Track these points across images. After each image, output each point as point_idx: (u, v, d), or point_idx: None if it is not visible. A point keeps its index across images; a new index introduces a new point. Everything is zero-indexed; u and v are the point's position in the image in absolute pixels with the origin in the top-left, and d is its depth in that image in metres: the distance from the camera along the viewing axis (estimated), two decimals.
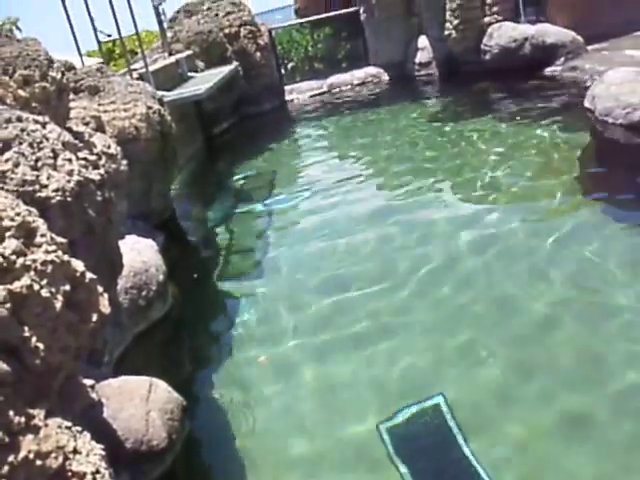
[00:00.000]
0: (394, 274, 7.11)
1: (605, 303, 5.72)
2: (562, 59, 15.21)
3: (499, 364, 5.20)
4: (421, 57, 17.85)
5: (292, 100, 18.58)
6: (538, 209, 8.15)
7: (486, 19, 16.57)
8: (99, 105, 7.95)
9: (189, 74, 14.66)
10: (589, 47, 15.49)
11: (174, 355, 6.32)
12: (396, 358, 5.53)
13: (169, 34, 16.22)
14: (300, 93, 18.72)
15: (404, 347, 5.67)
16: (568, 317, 5.64)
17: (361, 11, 18.94)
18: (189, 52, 15.70)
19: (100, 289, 2.89)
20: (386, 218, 8.75)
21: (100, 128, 6.84)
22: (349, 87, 18.42)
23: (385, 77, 18.41)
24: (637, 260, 6.37)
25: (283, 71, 19.74)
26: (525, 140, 11.07)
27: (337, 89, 18.47)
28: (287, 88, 18.96)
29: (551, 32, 15.54)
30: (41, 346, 2.50)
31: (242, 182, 12.03)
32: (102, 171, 3.95)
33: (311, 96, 18.50)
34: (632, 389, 4.58)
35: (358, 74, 18.67)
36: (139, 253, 6.44)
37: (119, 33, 12.23)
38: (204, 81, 13.34)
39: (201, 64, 15.86)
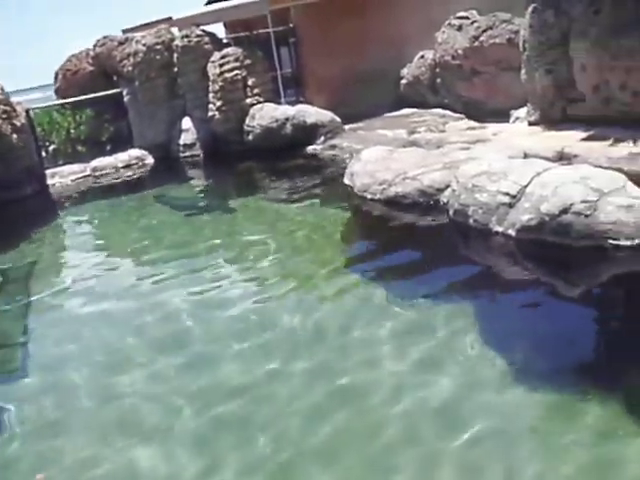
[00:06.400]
0: (157, 359, 6.75)
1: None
2: (322, 138, 15.76)
3: None
4: (185, 138, 17.72)
5: (54, 184, 17.55)
6: (301, 287, 8.06)
7: (248, 100, 16.87)
8: None
9: None
10: (346, 127, 16.18)
11: None
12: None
13: None
14: (62, 177, 17.77)
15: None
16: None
17: (124, 93, 18.56)
18: None
19: None
20: (143, 306, 8.26)
21: None
22: (113, 170, 17.77)
23: (150, 159, 17.96)
24: (402, 331, 6.47)
25: (44, 154, 18.72)
26: (289, 218, 11.18)
27: (101, 172, 17.74)
28: (48, 172, 17.88)
29: (311, 112, 16.09)
30: None
31: (1, 276, 10.87)
32: None
33: (74, 180, 17.62)
34: None
35: (122, 157, 18.09)
36: None
37: None
38: None
39: None
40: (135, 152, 18.18)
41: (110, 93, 18.86)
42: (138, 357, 6.90)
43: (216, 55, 17.21)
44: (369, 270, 8.30)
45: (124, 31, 21.28)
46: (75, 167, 18.11)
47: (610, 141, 10.73)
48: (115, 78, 19.20)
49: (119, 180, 17.11)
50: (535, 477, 4.30)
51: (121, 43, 18.93)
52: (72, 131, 19.06)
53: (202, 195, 14.64)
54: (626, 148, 10.34)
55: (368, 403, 5.36)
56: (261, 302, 7.75)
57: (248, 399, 5.68)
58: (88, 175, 17.81)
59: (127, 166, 17.87)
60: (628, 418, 4.66)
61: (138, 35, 18.73)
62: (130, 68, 18.19)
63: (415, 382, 5.56)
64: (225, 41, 19.21)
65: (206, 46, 17.56)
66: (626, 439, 4.47)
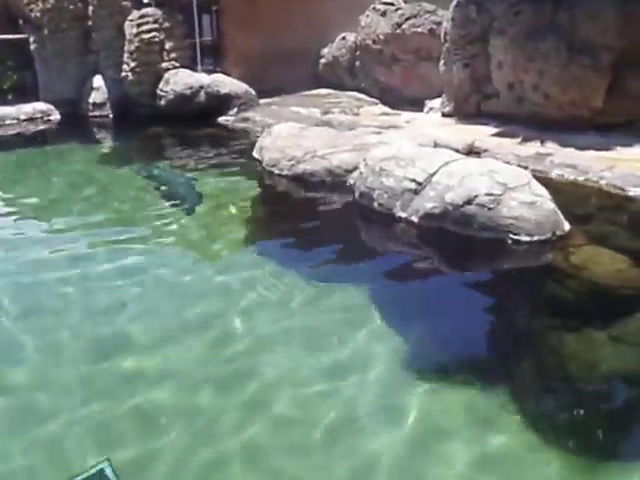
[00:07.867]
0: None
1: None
2: (235, 109, 15.52)
3: None
4: (95, 97, 16.99)
5: None
6: (205, 259, 7.77)
7: (164, 64, 16.40)
8: None
9: None
10: (261, 100, 15.97)
11: None
12: None
13: None
14: None
15: None
16: None
17: (31, 40, 17.56)
18: None
19: None
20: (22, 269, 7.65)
21: None
22: (15, 122, 16.86)
23: (56, 115, 17.13)
24: (293, 310, 6.34)
25: None
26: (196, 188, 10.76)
27: (0, 123, 16.85)
28: None
29: (226, 82, 15.82)
30: None
31: None
32: None
33: None
34: None
35: (26, 109, 17.14)
36: None
37: None
38: None
39: None
40: (40, 105, 17.26)
41: (15, 38, 17.70)
42: None
43: (134, 14, 16.57)
44: (266, 245, 8.16)
45: None
46: None
47: (519, 139, 10.93)
48: (21, 22, 18.12)
49: (21, 133, 16.22)
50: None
51: None
52: None
53: (108, 158, 14.03)
54: (534, 147, 10.56)
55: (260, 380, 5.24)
56: (153, 276, 7.34)
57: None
58: None
59: (30, 119, 16.99)
60: (510, 409, 4.68)
61: None
62: (38, 14, 17.07)
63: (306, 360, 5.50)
64: (145, 1, 18.54)
65: (124, 3, 16.86)
66: (505, 431, 4.48)
